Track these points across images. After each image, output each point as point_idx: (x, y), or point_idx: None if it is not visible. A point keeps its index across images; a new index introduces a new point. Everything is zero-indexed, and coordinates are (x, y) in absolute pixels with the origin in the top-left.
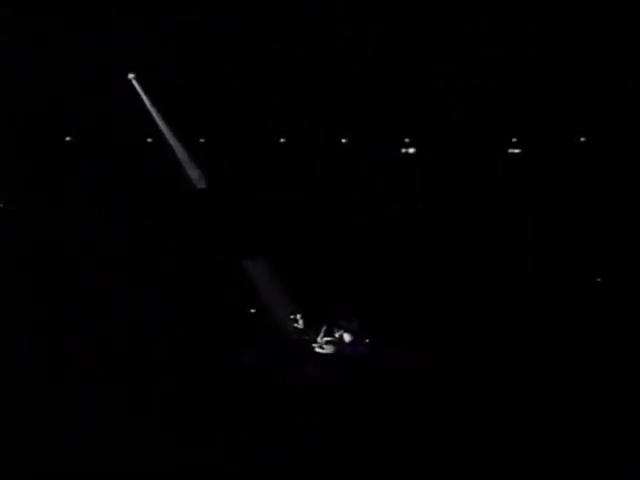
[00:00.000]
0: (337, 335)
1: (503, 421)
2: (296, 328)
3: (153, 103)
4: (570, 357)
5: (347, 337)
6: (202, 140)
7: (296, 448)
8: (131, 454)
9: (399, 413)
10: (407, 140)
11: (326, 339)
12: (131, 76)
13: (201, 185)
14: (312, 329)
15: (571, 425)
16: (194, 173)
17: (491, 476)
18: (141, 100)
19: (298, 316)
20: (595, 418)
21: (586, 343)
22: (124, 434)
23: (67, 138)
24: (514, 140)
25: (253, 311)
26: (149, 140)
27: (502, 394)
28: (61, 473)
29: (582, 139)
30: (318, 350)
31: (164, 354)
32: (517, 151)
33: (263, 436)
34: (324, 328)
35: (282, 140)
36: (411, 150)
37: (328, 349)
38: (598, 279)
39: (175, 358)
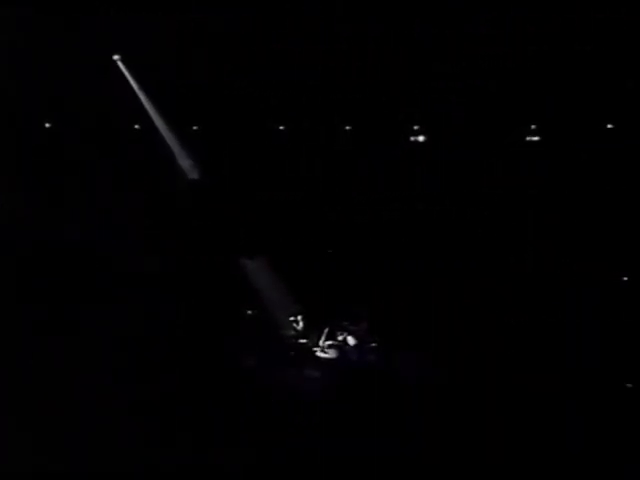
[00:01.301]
0: (340, 338)
1: (505, 422)
2: (296, 330)
3: (141, 87)
4: (590, 358)
5: (351, 340)
6: (195, 127)
7: (296, 453)
8: (131, 454)
9: (401, 417)
10: (416, 127)
11: (328, 342)
12: (116, 57)
13: (193, 176)
14: (314, 331)
15: (571, 425)
16: (186, 163)
17: (491, 476)
18: (128, 83)
19: (298, 317)
20: (595, 418)
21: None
22: (124, 434)
23: (47, 125)
24: (533, 127)
25: (250, 312)
26: (136, 127)
27: (514, 398)
28: (61, 473)
29: (609, 126)
30: (320, 354)
31: (164, 355)
32: (536, 139)
33: (262, 441)
34: (326, 330)
35: (281, 128)
36: (420, 138)
37: (331, 353)
38: (625, 278)
39: (175, 359)
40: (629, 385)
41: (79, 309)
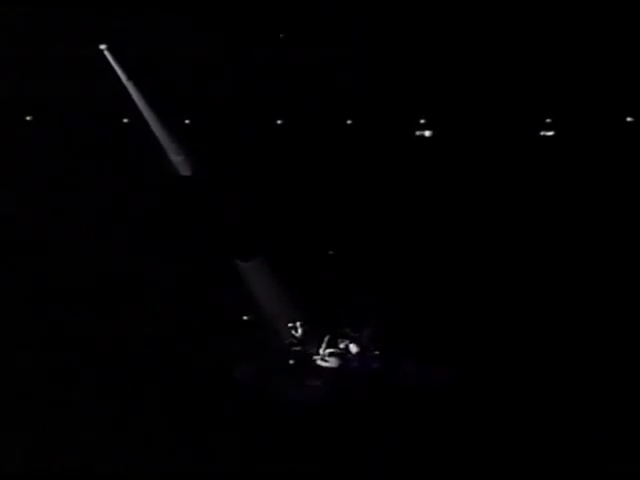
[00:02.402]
0: (342, 346)
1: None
2: (295, 337)
3: (129, 77)
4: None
5: (353, 348)
6: (187, 121)
7: (295, 460)
8: (128, 458)
9: (403, 425)
10: (422, 121)
11: (329, 350)
12: (103, 47)
13: (185, 173)
14: (314, 339)
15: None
16: (177, 159)
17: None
18: (115, 74)
19: (297, 324)
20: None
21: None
22: (121, 439)
23: (28, 117)
24: (547, 121)
25: (246, 318)
26: (125, 121)
27: (518, 405)
28: (61, 473)
29: (629, 119)
30: (320, 363)
31: (161, 360)
32: (550, 134)
33: (261, 449)
34: (327, 338)
35: (279, 122)
36: (427, 133)
37: (332, 362)
38: None
39: (172, 366)
40: None
41: (77, 310)
